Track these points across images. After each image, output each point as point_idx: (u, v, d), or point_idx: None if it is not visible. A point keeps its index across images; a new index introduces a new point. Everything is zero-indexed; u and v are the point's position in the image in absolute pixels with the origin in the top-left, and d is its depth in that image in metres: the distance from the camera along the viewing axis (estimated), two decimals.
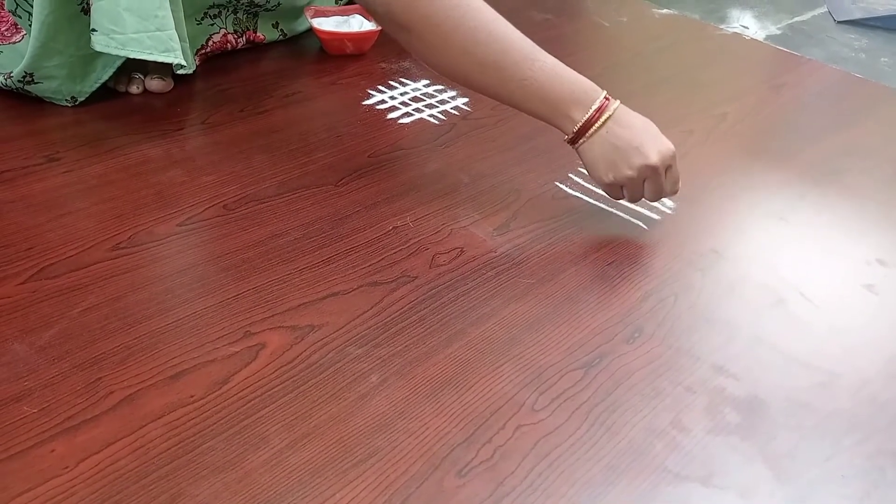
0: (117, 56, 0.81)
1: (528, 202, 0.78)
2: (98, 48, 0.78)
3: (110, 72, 0.85)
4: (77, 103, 0.85)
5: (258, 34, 1.02)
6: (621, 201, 0.76)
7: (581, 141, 0.71)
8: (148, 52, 0.79)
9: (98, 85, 0.85)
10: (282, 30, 1.05)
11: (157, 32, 0.78)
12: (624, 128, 0.69)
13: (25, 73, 0.81)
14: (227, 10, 0.96)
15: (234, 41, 0.99)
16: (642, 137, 0.70)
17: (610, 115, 0.69)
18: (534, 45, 0.71)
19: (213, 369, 0.55)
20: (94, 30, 0.77)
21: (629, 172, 0.70)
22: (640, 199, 0.73)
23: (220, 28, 0.96)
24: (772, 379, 0.60)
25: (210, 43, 0.96)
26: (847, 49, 1.32)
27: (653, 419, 0.55)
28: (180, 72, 0.85)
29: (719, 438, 0.55)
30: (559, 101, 0.70)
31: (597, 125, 0.69)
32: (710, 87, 1.09)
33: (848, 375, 0.61)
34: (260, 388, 0.54)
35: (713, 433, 0.55)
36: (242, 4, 0.95)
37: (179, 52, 0.80)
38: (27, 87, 0.82)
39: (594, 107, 0.69)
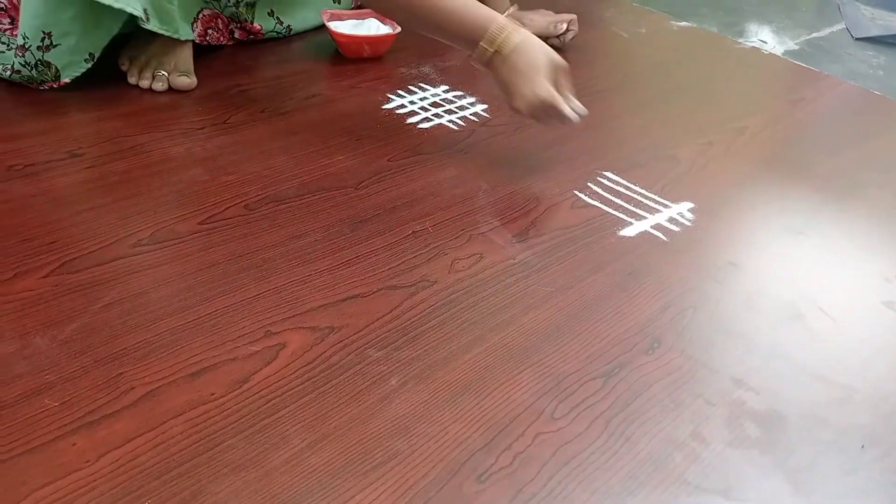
0: (120, 10, 0.81)
1: (547, 210, 0.78)
2: None
3: (118, 23, 0.85)
4: (95, 62, 0.85)
5: (255, 24, 1.03)
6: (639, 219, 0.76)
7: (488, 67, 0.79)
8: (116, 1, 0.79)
9: (109, 38, 0.85)
10: (278, 17, 1.05)
11: None
12: (508, 66, 0.77)
13: (43, 33, 0.81)
14: (229, 1, 0.97)
15: (223, 27, 1.00)
16: (516, 81, 0.77)
17: (497, 50, 0.77)
18: None
19: (234, 368, 0.55)
20: None
21: (511, 108, 0.79)
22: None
23: (216, 9, 0.97)
24: (790, 393, 0.60)
25: (200, 16, 0.96)
26: (865, 66, 1.32)
27: (672, 430, 0.55)
28: (146, 27, 0.84)
29: (739, 451, 0.54)
30: (459, 35, 0.78)
31: (486, 60, 0.78)
32: (729, 100, 1.09)
33: (866, 391, 0.61)
34: (280, 387, 0.54)
35: (732, 446, 0.55)
36: None
37: (138, 5, 0.80)
38: (47, 57, 0.83)
39: (483, 50, 0.77)
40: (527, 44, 0.77)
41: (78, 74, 0.85)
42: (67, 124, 0.82)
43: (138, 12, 0.81)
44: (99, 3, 0.79)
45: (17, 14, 0.84)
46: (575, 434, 0.54)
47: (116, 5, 0.80)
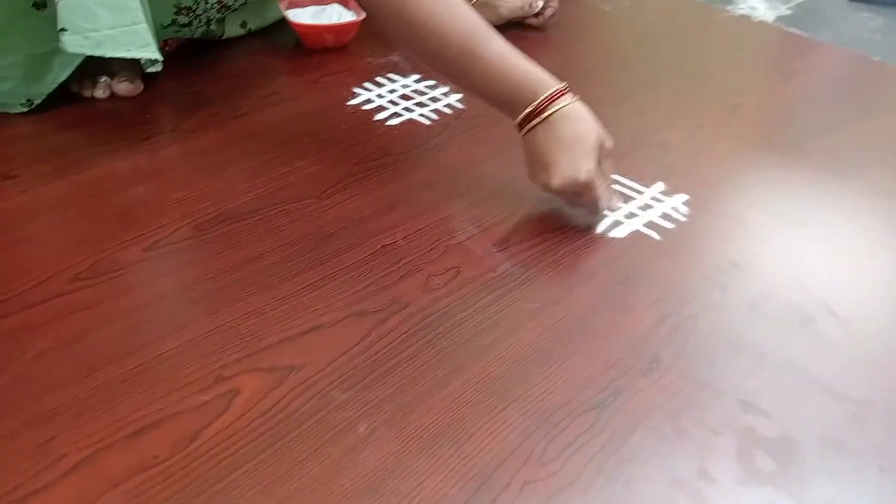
0: (74, 55, 0.74)
1: (529, 211, 0.72)
2: (70, 49, 0.70)
3: (68, 71, 0.78)
4: (33, 107, 0.78)
5: (223, 38, 0.95)
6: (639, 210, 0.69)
7: (521, 132, 0.68)
8: (126, 48, 0.72)
9: (55, 86, 0.78)
10: (249, 28, 0.98)
11: (133, 27, 0.71)
12: (549, 133, 0.66)
13: None
14: (200, 21, 0.88)
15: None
16: (556, 155, 0.65)
17: (544, 118, 0.66)
18: (477, 35, 0.67)
19: (181, 423, 0.49)
20: (63, 29, 0.70)
21: (538, 183, 0.68)
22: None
23: (186, 36, 0.89)
24: (804, 414, 0.54)
25: (169, 41, 0.89)
26: (862, 29, 1.25)
27: (676, 469, 0.49)
28: (151, 69, 0.78)
29: (751, 490, 0.49)
30: (502, 96, 0.68)
31: (527, 126, 0.67)
32: (720, 76, 1.02)
33: (882, 404, 0.55)
34: (233, 444, 0.48)
35: (744, 483, 0.49)
36: (213, 9, 0.87)
37: (155, 47, 0.73)
38: None
39: (528, 109, 0.66)
40: (578, 112, 0.66)
41: (12, 112, 0.78)
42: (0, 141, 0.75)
43: (161, 59, 0.75)
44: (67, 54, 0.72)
45: None
46: (568, 480, 0.48)
47: (129, 55, 0.73)
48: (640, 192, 0.75)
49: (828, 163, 0.83)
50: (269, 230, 0.66)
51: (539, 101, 0.65)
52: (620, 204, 0.72)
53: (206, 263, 0.62)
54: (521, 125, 0.67)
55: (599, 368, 0.56)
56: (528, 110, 0.66)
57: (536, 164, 0.67)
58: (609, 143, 0.68)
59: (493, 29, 0.68)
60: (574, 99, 0.67)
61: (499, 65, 0.67)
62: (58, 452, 0.47)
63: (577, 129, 0.65)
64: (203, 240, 0.65)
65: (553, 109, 0.65)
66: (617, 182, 0.76)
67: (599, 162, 0.67)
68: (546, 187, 0.67)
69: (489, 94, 0.69)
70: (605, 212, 0.70)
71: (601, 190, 0.67)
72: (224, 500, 0.45)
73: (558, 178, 0.65)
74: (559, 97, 0.66)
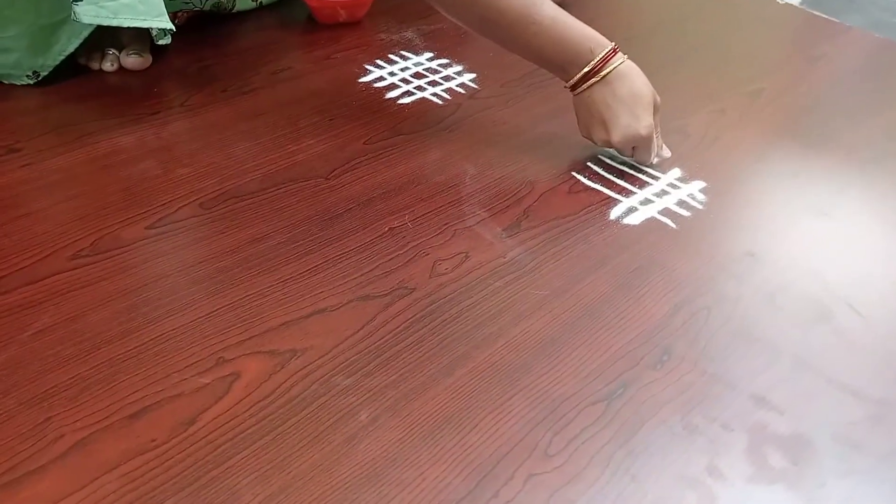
0: (85, 25, 0.73)
1: (541, 196, 0.70)
2: (86, 20, 0.69)
3: (76, 43, 0.76)
4: (40, 80, 0.77)
5: (234, 11, 0.93)
6: (645, 196, 0.68)
7: (576, 91, 0.71)
8: (142, 18, 0.70)
9: (62, 58, 0.77)
10: (260, 2, 0.96)
11: None
12: (608, 92, 0.69)
13: None
14: None
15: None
16: (616, 111, 0.69)
17: (602, 77, 0.69)
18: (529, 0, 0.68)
19: (179, 406, 0.48)
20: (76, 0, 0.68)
21: (595, 139, 0.72)
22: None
23: (196, 7, 0.87)
24: (819, 411, 0.52)
25: (179, 13, 0.87)
26: (889, 14, 1.21)
27: (685, 464, 0.48)
28: (161, 41, 0.76)
29: (762, 487, 0.47)
30: (557, 57, 0.70)
31: (584, 85, 0.70)
32: (742, 60, 0.99)
33: None
34: (232, 428, 0.47)
35: (754, 481, 0.47)
36: None
37: (168, 17, 0.72)
38: None
39: (586, 69, 0.69)
40: (632, 70, 0.69)
41: (18, 84, 0.77)
42: (5, 113, 0.74)
43: (171, 25, 0.73)
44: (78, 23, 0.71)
45: None
46: (573, 474, 0.47)
47: (146, 25, 0.71)
48: (656, 179, 0.73)
49: (852, 152, 0.81)
50: (274, 210, 0.65)
51: (596, 60, 0.68)
52: (668, 153, 0.74)
53: (209, 243, 0.61)
54: (577, 85, 0.70)
55: (608, 359, 0.54)
56: (585, 70, 0.69)
57: (594, 120, 0.71)
58: (658, 99, 0.71)
59: None
60: (625, 57, 0.69)
61: (552, 27, 0.68)
62: (54, 433, 0.46)
63: (633, 87, 0.69)
64: (207, 218, 0.64)
65: (610, 68, 0.68)
66: (634, 167, 0.75)
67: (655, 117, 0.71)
68: (606, 142, 0.71)
69: (544, 57, 0.70)
70: (655, 159, 0.74)
71: (655, 148, 0.72)
72: (221, 485, 0.44)
73: (618, 134, 0.69)
74: (612, 56, 0.69)
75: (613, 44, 0.69)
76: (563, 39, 0.68)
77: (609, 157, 0.75)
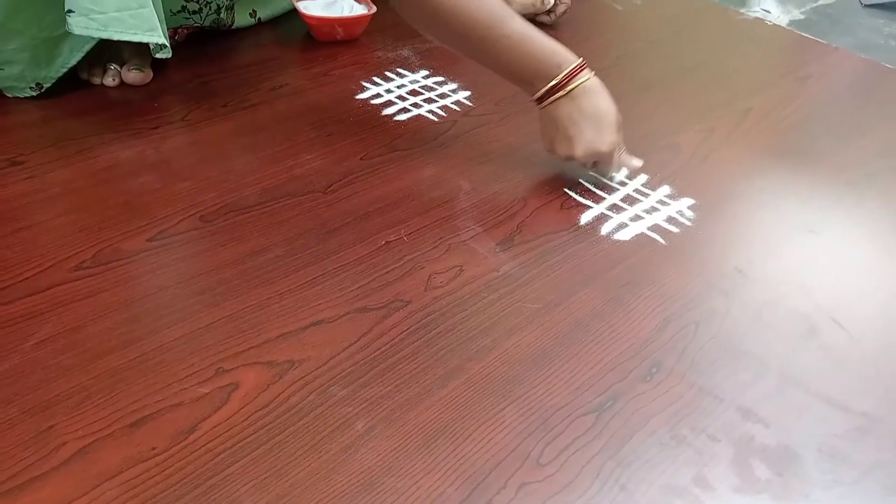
0: (86, 39, 0.74)
1: (534, 212, 0.71)
2: (76, 31, 0.70)
3: (79, 56, 0.78)
4: (43, 92, 0.78)
5: (233, 28, 0.95)
6: (635, 212, 0.69)
7: (542, 105, 0.72)
8: (132, 31, 0.72)
9: (65, 70, 0.78)
10: (259, 18, 0.98)
11: (140, 10, 0.71)
12: (574, 108, 0.70)
13: None
14: (209, 9, 0.88)
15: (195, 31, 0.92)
16: (581, 126, 0.70)
17: (568, 92, 0.69)
18: (499, 14, 0.69)
19: (179, 415, 0.49)
20: (70, 11, 0.70)
21: (558, 152, 0.73)
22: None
23: (196, 24, 0.88)
24: (804, 424, 0.54)
25: (180, 30, 0.88)
26: (876, 35, 1.23)
27: (673, 475, 0.49)
28: (159, 55, 0.78)
29: (748, 498, 0.48)
30: (525, 71, 0.71)
31: (549, 99, 0.70)
32: (732, 79, 1.01)
33: (889, 419, 0.55)
34: (231, 437, 0.48)
35: (741, 492, 0.49)
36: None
37: (160, 32, 0.73)
38: None
39: (552, 82, 0.70)
40: (597, 87, 0.70)
41: (21, 96, 0.78)
42: (7, 126, 0.75)
43: (168, 46, 0.75)
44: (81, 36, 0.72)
45: None
46: (564, 483, 0.48)
47: (136, 39, 0.72)
48: (646, 195, 0.75)
49: (840, 170, 0.83)
50: (273, 223, 0.66)
51: (562, 75, 0.69)
52: (639, 162, 0.75)
53: (209, 255, 0.62)
54: (543, 98, 0.71)
55: (599, 372, 0.56)
56: (551, 84, 0.69)
57: (559, 134, 0.72)
58: (621, 118, 0.72)
59: (508, 7, 0.70)
60: (592, 74, 0.70)
61: (520, 42, 0.69)
62: (56, 441, 0.47)
63: (598, 104, 0.70)
64: (207, 231, 0.65)
65: (575, 84, 0.69)
66: (624, 183, 0.76)
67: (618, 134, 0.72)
68: (569, 156, 0.72)
69: (511, 70, 0.71)
70: (624, 170, 0.76)
71: (618, 158, 0.73)
72: (220, 493, 0.45)
73: (581, 148, 0.70)
74: (579, 72, 0.69)
75: (581, 59, 0.70)
76: (531, 54, 0.70)
77: (600, 175, 0.77)
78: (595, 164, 0.74)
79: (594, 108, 0.70)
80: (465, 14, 0.69)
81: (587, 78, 0.70)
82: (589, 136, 0.70)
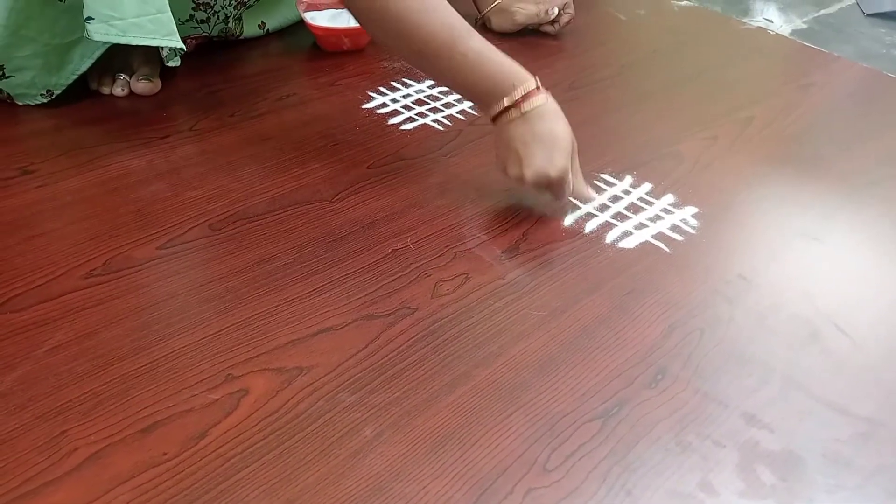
0: (97, 45, 0.75)
1: (539, 220, 0.72)
2: (97, 37, 0.71)
3: (89, 62, 0.79)
4: (53, 100, 0.79)
5: (241, 38, 0.96)
6: (644, 222, 0.70)
7: (496, 124, 0.70)
8: (151, 37, 0.72)
9: (75, 76, 0.79)
10: (267, 29, 0.99)
11: (158, 15, 0.72)
12: (526, 129, 0.67)
13: None
14: (217, 18, 0.89)
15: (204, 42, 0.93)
16: (532, 149, 0.67)
17: (522, 114, 0.67)
18: (457, 30, 0.68)
19: (190, 421, 0.50)
20: (89, 18, 0.70)
21: (509, 174, 0.70)
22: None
23: (204, 33, 0.89)
24: (808, 429, 0.54)
25: (188, 40, 0.89)
26: (878, 45, 1.24)
27: (678, 480, 0.50)
28: (171, 63, 0.78)
29: (752, 503, 0.49)
30: (481, 90, 0.69)
31: (503, 118, 0.69)
32: (735, 87, 1.02)
33: (891, 424, 0.55)
34: (241, 443, 0.49)
35: (746, 497, 0.49)
36: (230, 5, 0.88)
37: (178, 37, 0.74)
38: None
39: (506, 102, 0.68)
40: (553, 112, 0.68)
41: (32, 104, 0.79)
42: (19, 136, 0.76)
43: (181, 44, 0.75)
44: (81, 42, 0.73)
45: None
46: (570, 489, 0.48)
47: (154, 43, 0.73)
48: (650, 204, 0.76)
49: (842, 177, 0.83)
50: (281, 232, 0.67)
51: (517, 95, 0.67)
52: (595, 195, 0.74)
53: (218, 263, 0.63)
54: (497, 117, 0.69)
55: (605, 378, 0.56)
56: (506, 103, 0.68)
57: (511, 156, 0.69)
58: (576, 144, 0.70)
59: (469, 25, 0.69)
60: (548, 97, 0.69)
61: (477, 60, 0.68)
62: (69, 446, 0.48)
63: (553, 128, 0.68)
64: (216, 239, 0.65)
65: (532, 106, 0.67)
66: (628, 192, 0.77)
67: (571, 160, 0.69)
68: (518, 179, 0.69)
69: (468, 87, 0.70)
70: (576, 202, 0.74)
71: (570, 185, 0.69)
72: (230, 498, 0.46)
73: (531, 172, 0.67)
74: (535, 95, 0.68)
75: (538, 82, 0.68)
76: (488, 72, 0.68)
77: (604, 184, 0.78)
78: (547, 189, 0.70)
79: (548, 132, 0.67)
80: (425, 30, 0.68)
81: (544, 101, 0.68)
82: (539, 160, 0.67)
